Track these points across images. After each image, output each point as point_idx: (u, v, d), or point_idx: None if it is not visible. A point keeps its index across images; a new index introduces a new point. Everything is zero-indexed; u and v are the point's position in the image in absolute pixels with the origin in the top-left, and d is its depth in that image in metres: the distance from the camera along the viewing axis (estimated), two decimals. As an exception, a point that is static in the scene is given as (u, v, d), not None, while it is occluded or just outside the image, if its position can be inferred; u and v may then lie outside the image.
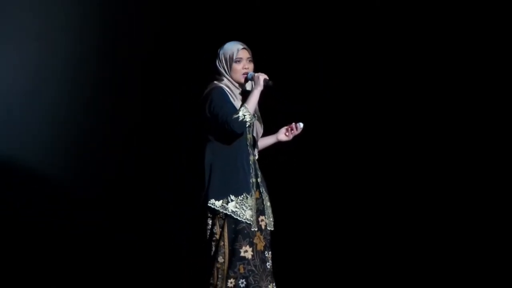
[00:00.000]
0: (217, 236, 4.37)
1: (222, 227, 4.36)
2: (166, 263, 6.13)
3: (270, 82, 4.33)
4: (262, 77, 4.34)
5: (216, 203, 4.34)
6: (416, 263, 5.96)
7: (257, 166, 4.49)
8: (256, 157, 4.51)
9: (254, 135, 4.50)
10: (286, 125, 4.61)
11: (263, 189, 4.49)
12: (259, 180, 4.47)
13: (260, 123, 4.55)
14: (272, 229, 4.50)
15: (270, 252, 4.46)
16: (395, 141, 6.10)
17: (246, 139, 4.44)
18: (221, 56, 4.44)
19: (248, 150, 4.43)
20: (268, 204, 4.51)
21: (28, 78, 6.02)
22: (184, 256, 5.97)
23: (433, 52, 6.01)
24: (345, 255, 6.16)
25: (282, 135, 4.59)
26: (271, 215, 4.51)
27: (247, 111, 4.28)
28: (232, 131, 4.27)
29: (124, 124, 6.23)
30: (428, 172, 6.03)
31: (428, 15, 6.01)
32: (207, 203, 4.34)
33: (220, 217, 4.36)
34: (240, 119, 4.26)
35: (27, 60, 6.01)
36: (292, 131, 4.55)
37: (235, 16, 6.21)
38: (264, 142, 4.64)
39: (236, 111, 4.28)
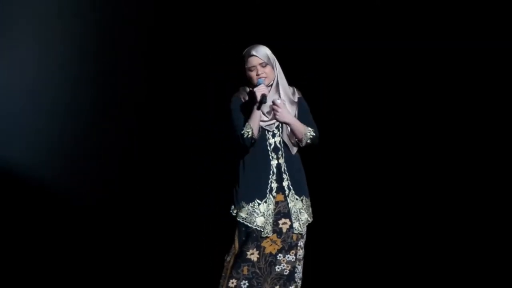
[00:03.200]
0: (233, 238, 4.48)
1: (235, 230, 4.46)
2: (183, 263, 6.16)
3: (264, 99, 4.33)
4: (259, 93, 4.35)
5: (232, 209, 4.48)
6: (418, 263, 5.96)
7: (283, 169, 4.47)
8: (276, 151, 4.46)
9: (284, 137, 4.48)
10: None
11: (291, 192, 4.48)
12: (285, 184, 4.46)
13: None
14: (301, 231, 4.47)
15: (290, 256, 4.45)
16: (395, 142, 6.11)
17: (267, 144, 4.45)
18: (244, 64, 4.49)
19: (270, 154, 4.45)
20: (298, 206, 4.48)
21: (25, 80, 6.03)
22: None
23: (433, 52, 6.02)
24: (346, 255, 6.16)
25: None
26: (301, 218, 4.47)
27: (250, 128, 4.34)
28: (242, 146, 4.39)
29: (124, 127, 6.25)
30: (428, 174, 6.04)
31: (428, 16, 6.03)
32: (230, 210, 4.50)
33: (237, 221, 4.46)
34: (245, 136, 4.35)
35: (24, 62, 6.01)
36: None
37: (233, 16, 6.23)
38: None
39: (242, 126, 4.37)
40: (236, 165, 4.48)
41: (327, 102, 6.20)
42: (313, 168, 6.09)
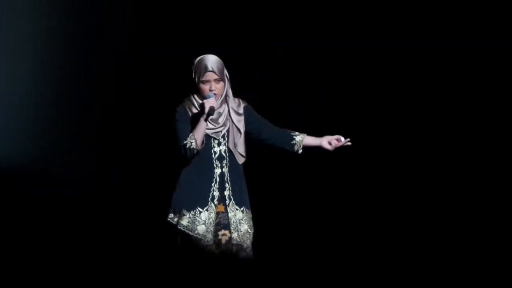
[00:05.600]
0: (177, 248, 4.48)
1: (178, 239, 4.46)
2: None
3: (212, 112, 4.33)
4: (207, 105, 4.33)
5: (173, 217, 4.47)
6: (413, 264, 5.95)
7: (226, 179, 4.48)
8: (224, 167, 4.47)
9: (231, 146, 4.48)
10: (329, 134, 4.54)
11: (232, 202, 4.48)
12: (226, 193, 4.47)
13: (238, 132, 4.52)
14: (239, 242, 4.44)
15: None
16: (395, 141, 6.11)
17: (212, 152, 4.46)
18: (193, 72, 4.46)
19: (214, 162, 4.45)
20: (238, 217, 4.47)
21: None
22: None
23: (433, 52, 6.02)
24: (340, 256, 6.16)
25: (326, 143, 4.50)
26: (241, 229, 4.46)
27: (194, 138, 4.34)
28: (183, 156, 4.38)
29: (124, 127, 6.25)
30: (430, 175, 6.05)
31: (428, 16, 6.03)
32: (167, 217, 4.49)
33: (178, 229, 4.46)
34: (187, 146, 4.34)
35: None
36: (336, 144, 4.47)
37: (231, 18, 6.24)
38: (308, 142, 4.53)
39: (186, 137, 4.36)
40: (178, 172, 4.46)
41: (327, 102, 6.22)
42: (313, 168, 6.16)
